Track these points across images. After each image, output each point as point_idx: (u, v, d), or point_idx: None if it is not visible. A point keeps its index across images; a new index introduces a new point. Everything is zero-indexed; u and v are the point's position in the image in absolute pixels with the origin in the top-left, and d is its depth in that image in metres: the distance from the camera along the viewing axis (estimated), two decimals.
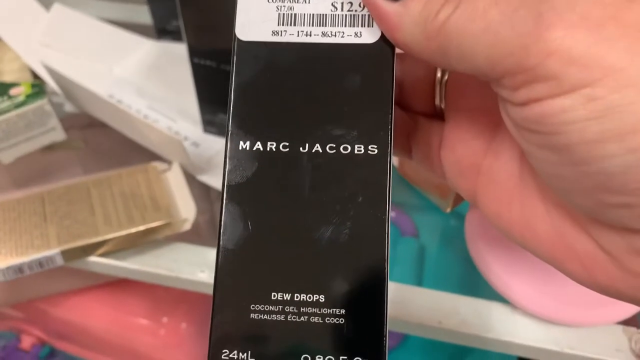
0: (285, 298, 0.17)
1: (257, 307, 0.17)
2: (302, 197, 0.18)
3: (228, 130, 0.19)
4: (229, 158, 0.18)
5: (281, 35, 0.19)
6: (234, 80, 0.19)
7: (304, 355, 0.17)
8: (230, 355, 0.17)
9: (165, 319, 0.52)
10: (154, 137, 0.42)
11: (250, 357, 0.17)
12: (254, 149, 0.18)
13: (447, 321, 0.35)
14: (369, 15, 0.18)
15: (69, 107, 0.53)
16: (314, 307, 0.17)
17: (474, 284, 0.46)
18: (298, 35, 0.19)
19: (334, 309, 0.17)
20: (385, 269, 0.18)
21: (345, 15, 0.18)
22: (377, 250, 0.18)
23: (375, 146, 0.18)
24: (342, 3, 0.18)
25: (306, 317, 0.17)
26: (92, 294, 0.54)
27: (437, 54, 0.16)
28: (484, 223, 0.38)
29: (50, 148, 0.52)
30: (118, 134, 0.57)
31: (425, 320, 0.35)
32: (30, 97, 0.43)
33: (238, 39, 0.19)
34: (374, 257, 0.18)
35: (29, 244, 0.37)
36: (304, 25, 0.19)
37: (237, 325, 0.18)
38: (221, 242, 0.18)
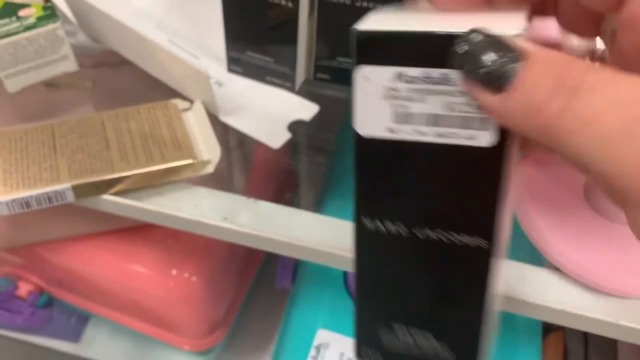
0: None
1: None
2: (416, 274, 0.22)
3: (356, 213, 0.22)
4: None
5: (396, 133, 0.20)
6: (357, 169, 0.21)
7: None
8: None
9: (174, 271, 0.49)
10: (176, 70, 0.38)
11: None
12: (379, 230, 0.21)
13: None
14: (483, 118, 0.18)
15: (78, 40, 0.49)
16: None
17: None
18: (412, 135, 0.19)
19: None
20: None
21: (459, 116, 0.19)
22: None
23: (485, 241, 0.20)
24: (458, 104, 0.19)
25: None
26: (97, 241, 0.51)
27: (548, 144, 0.15)
28: (535, 183, 0.35)
29: (55, 86, 0.48)
30: (128, 75, 0.53)
31: None
32: (41, 20, 0.40)
33: (357, 133, 0.20)
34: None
35: (38, 177, 0.34)
36: (419, 123, 0.19)
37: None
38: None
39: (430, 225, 0.21)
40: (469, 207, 0.20)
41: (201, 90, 0.38)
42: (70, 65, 0.42)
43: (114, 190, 0.35)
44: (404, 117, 0.19)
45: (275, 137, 0.38)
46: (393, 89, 0.19)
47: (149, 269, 0.49)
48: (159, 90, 0.50)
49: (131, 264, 0.50)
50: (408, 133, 0.19)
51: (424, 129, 0.19)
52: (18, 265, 0.56)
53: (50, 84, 0.47)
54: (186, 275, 0.49)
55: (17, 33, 0.39)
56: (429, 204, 0.21)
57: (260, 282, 0.62)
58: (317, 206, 0.54)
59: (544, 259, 0.33)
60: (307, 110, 0.40)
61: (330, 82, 0.41)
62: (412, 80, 0.19)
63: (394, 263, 0.22)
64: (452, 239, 0.21)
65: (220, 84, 0.42)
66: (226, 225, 0.35)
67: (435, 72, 0.19)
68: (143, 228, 0.50)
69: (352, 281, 0.47)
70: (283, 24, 0.37)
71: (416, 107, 0.19)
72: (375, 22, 0.20)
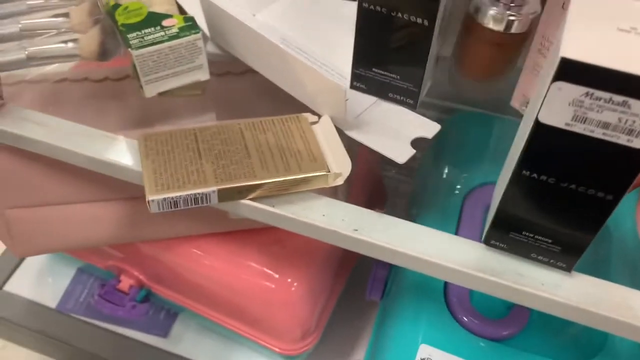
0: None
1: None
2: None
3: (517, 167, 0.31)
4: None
5: (571, 127, 0.27)
6: (527, 142, 0.29)
7: None
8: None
9: (276, 276, 0.51)
10: (310, 83, 0.40)
11: None
12: (532, 177, 0.30)
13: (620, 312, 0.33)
14: None
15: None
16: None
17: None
18: (584, 131, 0.27)
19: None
20: None
21: (626, 127, 0.26)
22: None
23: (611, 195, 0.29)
24: (627, 120, 0.26)
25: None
26: (203, 242, 0.53)
27: None
28: None
29: (166, 92, 0.50)
30: (238, 85, 0.55)
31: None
32: (183, 30, 0.42)
33: (539, 121, 0.27)
34: None
35: (186, 179, 0.36)
36: (591, 125, 0.26)
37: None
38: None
39: (575, 182, 0.29)
40: (608, 176, 0.28)
41: (333, 104, 0.40)
42: (203, 74, 0.45)
43: (252, 195, 0.37)
44: (581, 119, 0.26)
45: (400, 153, 0.40)
46: (580, 101, 0.26)
47: (253, 271, 0.51)
48: (267, 102, 0.53)
49: (234, 267, 0.52)
50: (581, 129, 0.27)
51: (594, 128, 0.26)
52: (121, 259, 0.58)
53: (163, 91, 0.49)
54: (288, 280, 0.51)
55: (162, 42, 0.41)
56: (580, 170, 0.29)
57: (344, 293, 0.63)
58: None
59: None
60: (429, 128, 0.42)
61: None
62: (597, 98, 0.26)
63: (536, 201, 0.31)
64: (587, 191, 0.29)
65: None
66: (357, 236, 0.36)
67: (619, 98, 0.25)
68: (249, 232, 0.53)
69: (452, 296, 0.48)
70: (415, 42, 0.38)
71: (592, 115, 0.26)
72: (578, 40, 0.26)
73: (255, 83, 0.55)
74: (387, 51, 0.40)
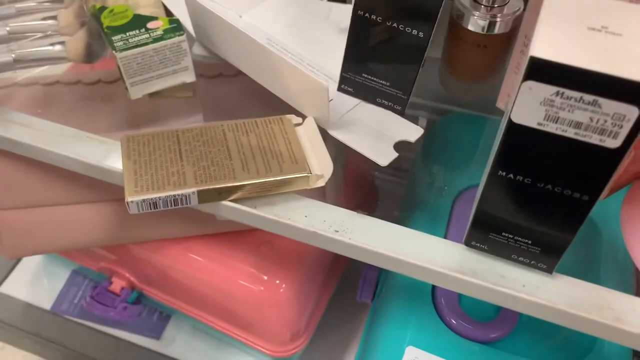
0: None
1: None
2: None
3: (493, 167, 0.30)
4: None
5: (544, 126, 0.27)
6: (501, 142, 0.29)
7: None
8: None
9: (265, 277, 0.51)
10: (293, 83, 0.40)
11: None
12: (508, 177, 0.30)
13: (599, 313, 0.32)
14: (616, 132, 0.25)
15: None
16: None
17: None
18: (556, 130, 0.27)
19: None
20: None
21: (598, 127, 0.26)
22: None
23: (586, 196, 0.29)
24: (599, 119, 0.25)
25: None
26: (193, 243, 0.53)
27: None
28: None
29: (157, 94, 0.51)
30: (230, 87, 0.55)
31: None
32: (167, 32, 0.42)
33: (512, 120, 0.27)
34: None
35: (166, 180, 0.36)
36: (563, 124, 0.26)
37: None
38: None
39: (550, 182, 0.29)
40: (583, 176, 0.28)
41: (316, 104, 0.40)
42: (189, 76, 0.45)
43: (233, 197, 0.37)
44: (553, 119, 0.26)
45: (383, 155, 0.39)
46: (550, 100, 0.26)
47: (241, 272, 0.51)
48: (256, 104, 0.53)
49: (224, 268, 0.52)
50: (553, 129, 0.27)
51: (566, 128, 0.26)
52: (112, 261, 0.58)
53: (153, 93, 0.49)
54: (277, 282, 0.51)
55: (146, 44, 0.41)
56: (555, 170, 0.28)
57: (335, 296, 0.63)
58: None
59: None
60: (413, 132, 0.41)
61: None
62: (568, 97, 0.25)
63: (513, 201, 0.31)
64: (564, 192, 0.29)
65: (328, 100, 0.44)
66: (337, 237, 0.36)
67: (589, 97, 0.25)
68: (238, 234, 0.53)
69: (440, 299, 0.48)
70: (408, 52, 0.38)
71: (564, 114, 0.26)
72: (548, 39, 0.25)
73: (247, 85, 0.55)
74: (378, 58, 0.40)
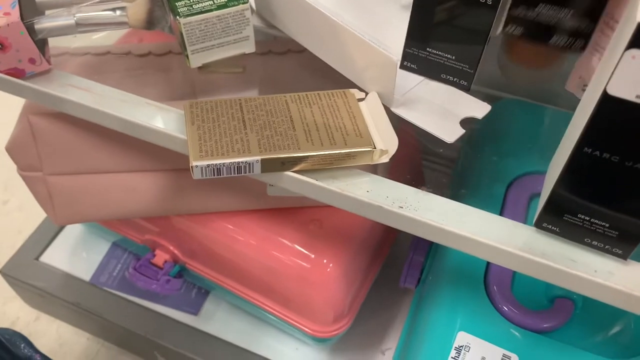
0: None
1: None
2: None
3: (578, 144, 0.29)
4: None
5: None
6: (592, 116, 0.28)
7: None
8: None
9: (312, 256, 0.50)
10: (360, 56, 0.39)
11: None
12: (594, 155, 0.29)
13: None
14: None
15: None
16: None
17: None
18: None
19: None
20: None
21: None
22: None
23: None
24: None
25: None
26: (239, 219, 0.53)
27: None
28: None
29: (206, 68, 0.50)
30: (279, 64, 0.55)
31: None
32: (231, 0, 0.42)
33: (607, 93, 0.26)
34: None
35: (230, 147, 0.36)
36: None
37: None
38: None
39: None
40: None
41: (382, 79, 0.39)
42: (249, 46, 0.44)
43: (296, 168, 0.36)
44: None
45: (449, 132, 0.38)
46: None
47: (288, 250, 0.51)
48: (308, 82, 0.52)
49: (271, 245, 0.51)
50: None
51: None
52: (157, 233, 0.58)
53: (203, 66, 0.49)
54: (324, 261, 0.50)
55: (210, 10, 0.41)
56: None
57: (376, 280, 0.62)
58: None
59: None
60: (480, 108, 0.40)
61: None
62: None
63: (595, 181, 0.30)
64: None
65: None
66: (403, 212, 0.35)
67: None
68: (285, 211, 0.52)
69: (492, 285, 0.46)
70: (476, 22, 0.37)
71: None
72: None
73: (296, 62, 0.55)
74: (444, 30, 0.39)
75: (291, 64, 0.55)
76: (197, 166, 0.35)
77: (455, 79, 0.41)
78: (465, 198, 0.53)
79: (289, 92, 0.41)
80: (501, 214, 0.50)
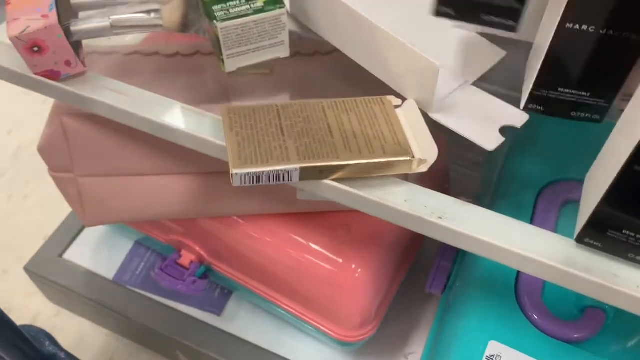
0: None
1: None
2: None
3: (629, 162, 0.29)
4: None
5: None
6: None
7: None
8: None
9: (340, 261, 0.50)
10: (399, 61, 0.39)
11: None
12: None
13: None
14: None
15: None
16: None
17: None
18: None
19: None
20: None
21: None
22: None
23: None
24: None
25: None
26: (267, 221, 0.53)
27: None
28: None
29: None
30: (307, 66, 0.54)
31: None
32: (268, 4, 0.41)
33: None
34: None
35: (269, 154, 0.35)
36: None
37: None
38: None
39: None
40: None
41: (422, 85, 0.38)
42: (284, 51, 0.44)
43: (335, 176, 0.36)
44: None
45: (489, 139, 0.38)
46: None
47: (315, 254, 0.50)
48: (337, 85, 0.51)
49: (298, 249, 0.51)
50: None
51: None
52: (183, 234, 0.58)
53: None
54: (353, 266, 0.50)
55: (246, 15, 0.41)
56: None
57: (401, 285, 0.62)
58: None
59: None
60: (518, 117, 0.40)
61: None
62: None
63: None
64: None
65: None
66: (442, 223, 0.35)
67: None
68: (313, 215, 0.52)
69: (523, 293, 0.46)
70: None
71: None
72: None
73: (324, 64, 0.54)
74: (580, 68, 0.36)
75: (319, 66, 0.54)
76: (237, 174, 0.34)
77: (587, 115, 0.39)
78: (494, 204, 0.53)
79: (317, 94, 0.40)
80: (532, 222, 0.49)
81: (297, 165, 0.35)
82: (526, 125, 0.58)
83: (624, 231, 0.31)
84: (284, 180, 0.36)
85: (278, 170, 0.35)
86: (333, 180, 0.36)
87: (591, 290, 0.33)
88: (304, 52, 0.56)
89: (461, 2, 0.37)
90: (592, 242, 0.33)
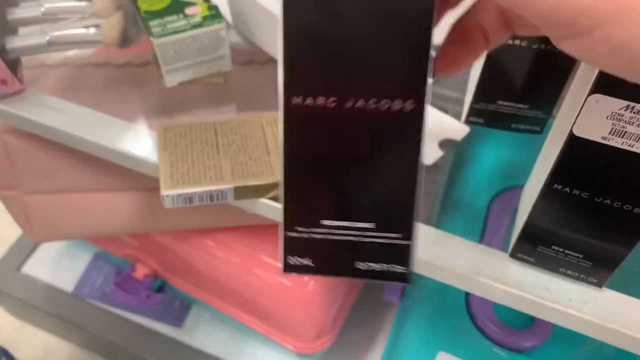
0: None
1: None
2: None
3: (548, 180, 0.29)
4: None
5: (608, 140, 0.25)
6: (560, 155, 0.27)
7: None
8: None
9: (293, 274, 0.50)
10: None
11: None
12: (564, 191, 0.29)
13: None
14: None
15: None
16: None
17: None
18: (622, 145, 0.25)
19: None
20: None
21: None
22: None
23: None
24: None
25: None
26: (220, 234, 0.52)
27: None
28: None
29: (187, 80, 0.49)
30: (261, 74, 0.54)
31: None
32: (206, 19, 0.41)
33: (573, 134, 0.26)
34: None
35: (202, 174, 0.35)
36: (630, 139, 0.25)
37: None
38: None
39: (609, 197, 0.27)
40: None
41: None
42: (225, 65, 0.43)
43: (270, 195, 0.36)
44: (619, 133, 0.25)
45: (427, 154, 0.38)
46: (619, 115, 0.24)
47: (269, 267, 0.50)
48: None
49: (251, 263, 0.51)
50: (618, 143, 0.25)
51: (633, 142, 0.25)
52: (137, 248, 0.58)
53: None
54: (305, 278, 0.50)
55: (184, 31, 0.40)
56: (615, 185, 0.27)
57: (361, 293, 0.62)
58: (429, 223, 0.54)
59: None
60: (459, 130, 0.40)
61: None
62: (638, 111, 0.24)
63: (567, 215, 0.29)
64: (624, 207, 0.27)
65: None
66: None
67: None
68: (265, 227, 0.51)
69: (474, 303, 0.46)
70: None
71: (632, 129, 0.25)
72: None
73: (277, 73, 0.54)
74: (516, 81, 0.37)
75: (272, 74, 0.54)
76: (168, 196, 0.34)
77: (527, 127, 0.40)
78: (449, 212, 0.53)
79: (269, 104, 0.40)
80: (484, 230, 0.49)
81: (231, 185, 0.35)
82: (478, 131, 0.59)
83: (552, 247, 0.32)
84: (218, 200, 0.35)
85: (211, 191, 0.35)
86: (270, 198, 0.36)
87: (524, 306, 0.33)
88: (258, 60, 0.55)
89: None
90: (524, 257, 0.33)
